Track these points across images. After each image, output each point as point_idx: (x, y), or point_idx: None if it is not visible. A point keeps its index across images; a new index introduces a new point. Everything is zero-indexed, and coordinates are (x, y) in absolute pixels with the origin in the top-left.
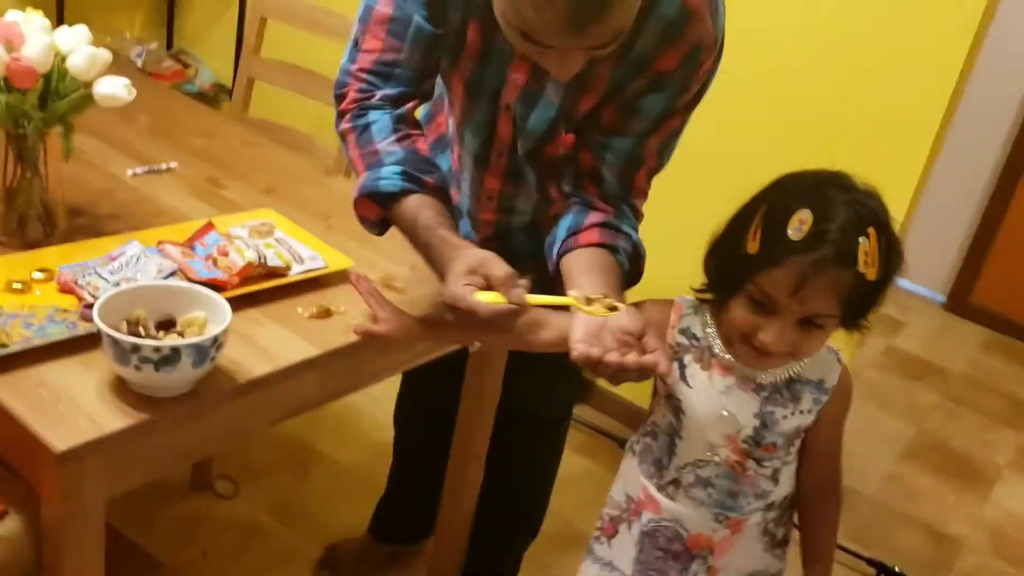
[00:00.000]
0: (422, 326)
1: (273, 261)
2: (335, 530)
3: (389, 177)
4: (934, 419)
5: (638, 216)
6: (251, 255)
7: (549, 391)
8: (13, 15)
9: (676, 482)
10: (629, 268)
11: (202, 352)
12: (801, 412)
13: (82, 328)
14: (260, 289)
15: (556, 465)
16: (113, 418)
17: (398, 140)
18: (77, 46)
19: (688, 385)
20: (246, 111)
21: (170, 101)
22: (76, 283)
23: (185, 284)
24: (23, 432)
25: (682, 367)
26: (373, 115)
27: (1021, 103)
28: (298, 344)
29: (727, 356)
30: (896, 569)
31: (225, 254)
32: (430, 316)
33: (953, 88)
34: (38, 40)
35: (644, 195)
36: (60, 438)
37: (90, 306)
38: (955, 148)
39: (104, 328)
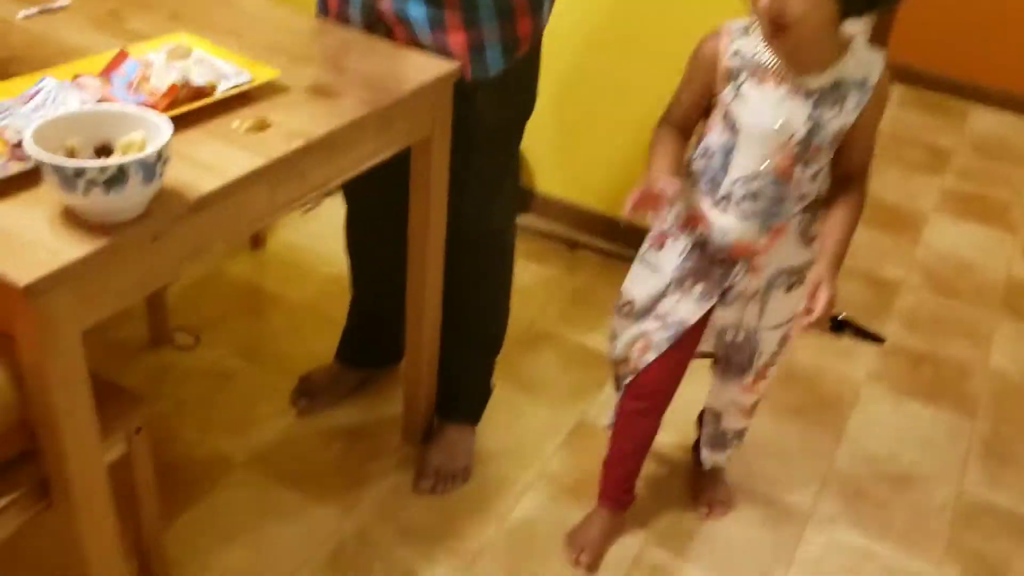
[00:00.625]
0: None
1: (198, 80)
2: (304, 362)
3: None
4: None
5: None
6: (174, 76)
7: (487, 204)
8: None
9: (728, 197)
10: None
11: (149, 168)
12: (846, 111)
13: (14, 168)
14: (190, 110)
15: (508, 275)
16: (72, 247)
17: None
18: None
19: (744, 102)
20: None
21: None
22: None
23: (117, 106)
24: None
25: (738, 87)
26: None
27: None
28: (242, 157)
29: (778, 65)
30: (841, 316)
31: (147, 79)
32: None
33: None
34: None
35: None
36: (23, 272)
37: (19, 144)
38: None
39: (43, 156)
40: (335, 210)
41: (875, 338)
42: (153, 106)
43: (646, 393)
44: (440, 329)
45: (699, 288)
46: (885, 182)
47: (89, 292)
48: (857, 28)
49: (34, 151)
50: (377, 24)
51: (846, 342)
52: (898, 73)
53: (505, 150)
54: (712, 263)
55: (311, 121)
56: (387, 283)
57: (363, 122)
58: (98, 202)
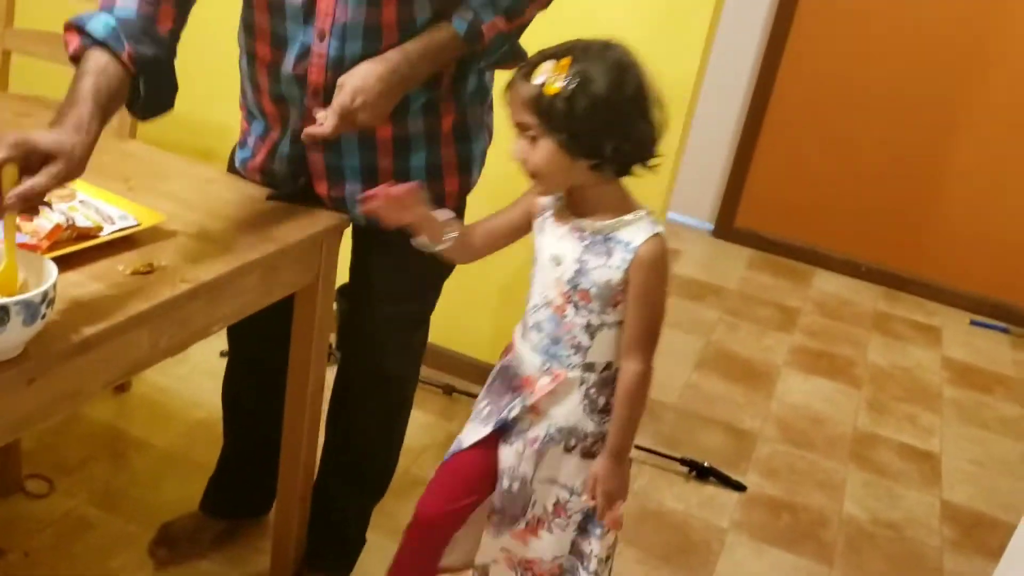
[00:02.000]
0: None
1: (82, 222)
2: (165, 510)
3: (101, 23)
4: (718, 332)
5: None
6: (58, 218)
7: (400, 351)
8: None
9: (528, 325)
10: (466, 32)
11: (32, 309)
12: (611, 267)
13: None
14: (74, 251)
15: (405, 420)
16: None
17: (140, 4)
18: None
19: (541, 233)
20: (4, 88)
21: None
22: None
23: None
24: None
25: (543, 219)
26: None
27: (756, 55)
28: (125, 301)
29: (563, 203)
30: (705, 464)
31: (29, 219)
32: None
33: (705, 55)
34: None
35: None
36: None
37: None
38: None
39: None
40: (204, 352)
41: (737, 486)
42: (36, 246)
43: (419, 523)
44: (315, 476)
45: (486, 411)
46: (740, 338)
47: None
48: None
49: None
50: (299, 174)
51: (710, 489)
52: (748, 238)
53: (423, 300)
54: (506, 390)
55: (196, 267)
56: (263, 429)
57: (248, 268)
58: None
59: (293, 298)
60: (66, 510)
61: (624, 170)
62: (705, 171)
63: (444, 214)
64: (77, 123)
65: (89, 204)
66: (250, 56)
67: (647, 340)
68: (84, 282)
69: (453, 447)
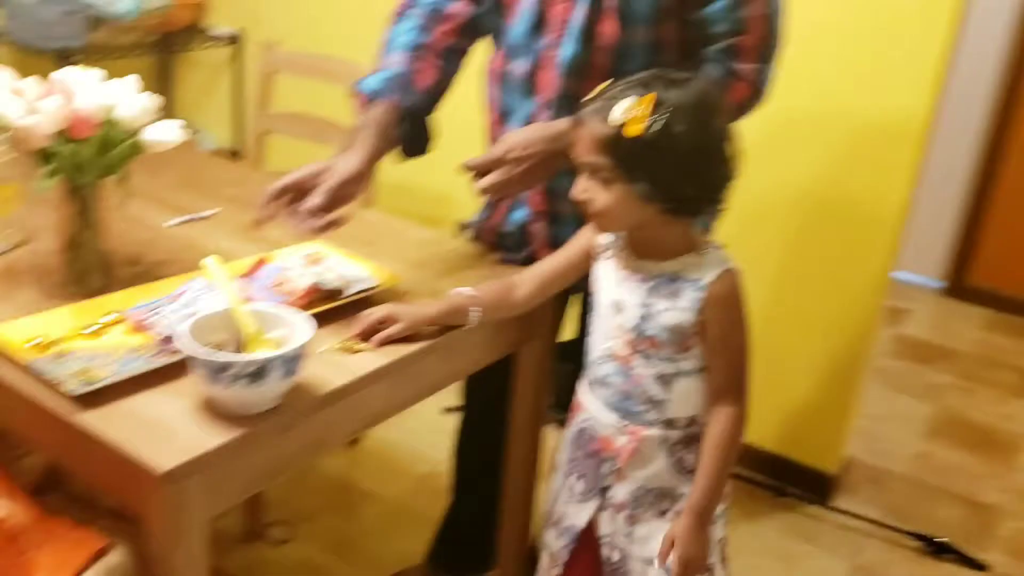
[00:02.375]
0: (431, 314)
1: (330, 284)
2: (394, 562)
3: (374, 79)
4: (951, 397)
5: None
6: (310, 279)
7: None
8: (67, 71)
9: (593, 379)
10: None
11: (290, 363)
12: (681, 309)
13: (161, 360)
14: (322, 310)
15: None
16: (208, 437)
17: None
18: (127, 96)
19: (598, 278)
20: (260, 165)
21: (193, 158)
22: (146, 321)
23: (262, 306)
24: (124, 460)
25: (601, 262)
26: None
27: (991, 89)
28: (366, 356)
29: (623, 245)
30: (941, 540)
31: (285, 282)
32: (430, 307)
33: (937, 89)
34: (92, 91)
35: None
36: (161, 458)
37: (168, 339)
38: (940, 143)
39: (195, 350)
40: (429, 408)
41: (978, 565)
42: (291, 305)
43: None
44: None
45: (580, 486)
46: (976, 404)
47: (220, 481)
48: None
49: (186, 345)
50: (526, 242)
51: (947, 567)
52: (983, 298)
53: None
54: (588, 456)
55: (431, 327)
56: (490, 486)
57: (477, 327)
58: (239, 394)
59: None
60: (302, 558)
61: (696, 213)
62: (934, 223)
63: (461, 292)
64: (361, 145)
65: (335, 267)
66: (490, 125)
67: (735, 384)
68: (328, 339)
69: (565, 534)
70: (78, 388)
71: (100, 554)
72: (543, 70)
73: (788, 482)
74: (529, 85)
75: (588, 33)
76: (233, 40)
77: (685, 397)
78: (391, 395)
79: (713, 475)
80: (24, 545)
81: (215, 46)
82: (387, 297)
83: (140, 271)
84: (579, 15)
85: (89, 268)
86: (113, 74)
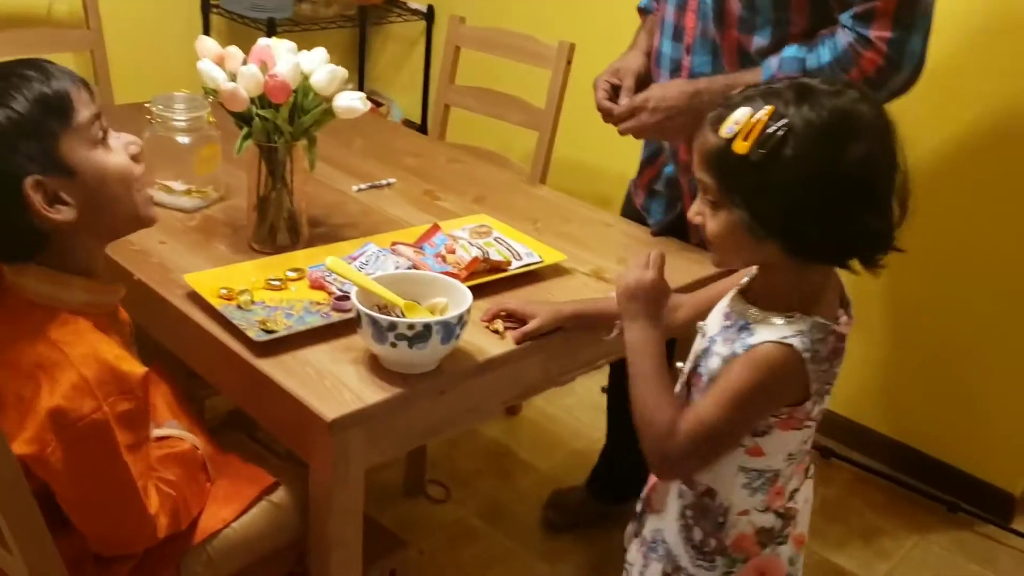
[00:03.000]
0: (566, 313)
1: (495, 257)
2: (542, 530)
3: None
4: None
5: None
6: (475, 251)
7: None
8: (264, 41)
9: None
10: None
11: (449, 329)
12: (724, 358)
13: (335, 317)
14: (485, 281)
15: None
16: (372, 392)
17: None
18: (318, 65)
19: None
20: (443, 137)
21: (380, 127)
22: (325, 279)
23: (428, 273)
24: (297, 406)
25: None
26: None
27: None
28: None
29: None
30: None
31: (452, 251)
32: (571, 304)
33: None
34: (287, 60)
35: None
36: (330, 409)
37: (342, 298)
38: None
39: (364, 310)
40: (588, 386)
41: None
42: (456, 275)
43: None
44: None
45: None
46: None
47: (379, 434)
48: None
49: (358, 304)
50: (676, 197)
51: None
52: None
53: None
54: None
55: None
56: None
57: None
58: (402, 355)
59: None
60: (457, 517)
61: (824, 259)
62: None
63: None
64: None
65: (501, 241)
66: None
67: (697, 430)
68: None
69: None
70: (260, 336)
71: (268, 490)
72: (687, 13)
73: (964, 498)
74: (675, 30)
75: None
76: (427, 14)
77: (712, 471)
78: (546, 368)
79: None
80: (209, 474)
81: (409, 20)
82: (550, 273)
83: (323, 232)
84: None
85: (277, 226)
86: (314, 44)
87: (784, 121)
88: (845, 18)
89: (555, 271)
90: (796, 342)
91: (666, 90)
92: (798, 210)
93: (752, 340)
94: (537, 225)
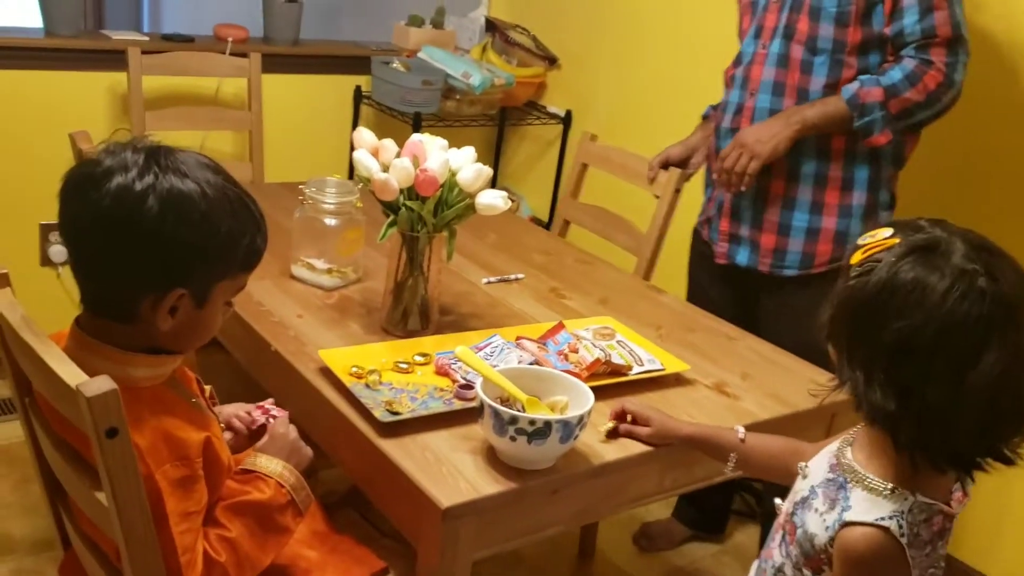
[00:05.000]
0: (680, 435)
1: (617, 360)
2: None
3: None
4: None
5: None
6: (598, 353)
7: None
8: (418, 137)
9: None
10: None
11: (569, 429)
12: (823, 521)
13: (457, 404)
14: (605, 384)
15: None
16: (487, 484)
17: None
18: (465, 163)
19: None
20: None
21: (511, 223)
22: (451, 367)
23: (551, 370)
24: (413, 490)
25: None
26: None
27: None
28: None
29: None
30: None
31: (575, 351)
32: (690, 426)
33: None
34: (439, 156)
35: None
36: (445, 496)
37: (465, 386)
38: None
39: (487, 401)
40: None
41: None
42: (577, 375)
43: None
44: None
45: None
46: None
47: (489, 526)
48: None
49: (482, 395)
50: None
51: None
52: None
53: None
54: None
55: (707, 417)
56: None
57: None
58: (520, 449)
59: None
60: None
61: (913, 445)
62: None
63: (739, 433)
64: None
65: (624, 345)
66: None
67: None
68: (607, 412)
69: None
70: (385, 416)
71: (378, 575)
72: (753, 67)
73: None
74: (743, 80)
75: (788, 30)
76: (564, 119)
77: None
78: (661, 479)
79: None
80: (300, 509)
81: (547, 123)
82: (671, 382)
83: (452, 320)
84: (783, 17)
85: (410, 311)
86: (456, 140)
87: (882, 256)
88: (908, 51)
89: (677, 380)
90: (892, 525)
91: (756, 128)
92: (883, 363)
93: (848, 514)
94: (660, 332)
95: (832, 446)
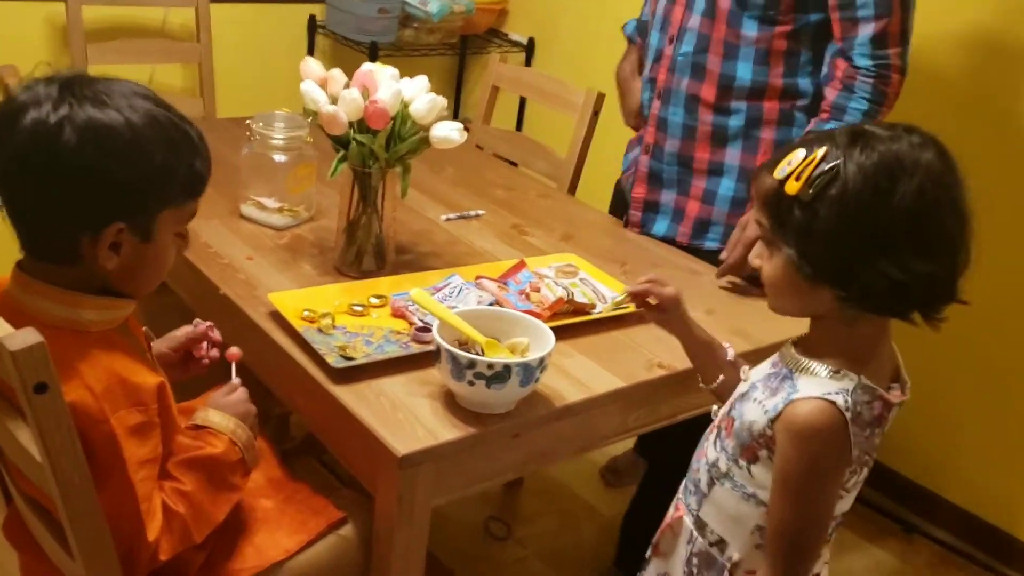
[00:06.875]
0: (689, 336)
1: (580, 299)
2: None
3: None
4: None
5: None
6: (560, 291)
7: None
8: (367, 66)
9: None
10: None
11: (529, 372)
12: (762, 408)
13: (414, 348)
14: (568, 323)
15: None
16: (445, 430)
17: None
18: (418, 94)
19: None
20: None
21: (471, 157)
22: (407, 309)
23: (511, 311)
24: (368, 437)
25: None
26: None
27: None
28: (605, 376)
29: None
30: None
31: (537, 290)
32: (698, 329)
33: None
34: (389, 87)
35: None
36: (401, 443)
37: (423, 329)
38: None
39: (444, 345)
40: None
41: None
42: (538, 315)
43: None
44: None
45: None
46: None
47: (448, 473)
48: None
49: (439, 339)
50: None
51: None
52: None
53: None
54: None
55: (671, 354)
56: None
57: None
58: (478, 394)
59: None
60: (518, 557)
61: (888, 310)
62: None
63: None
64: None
65: (587, 282)
66: None
67: (780, 544)
68: (571, 352)
69: None
70: (338, 362)
71: (335, 525)
72: (675, 7)
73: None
74: (663, 21)
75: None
76: (527, 46)
77: (718, 508)
78: (624, 419)
79: None
80: (248, 468)
81: (509, 51)
82: (635, 320)
83: (409, 259)
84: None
85: (364, 251)
86: (412, 70)
87: (836, 162)
88: (859, 44)
89: (640, 317)
90: (839, 400)
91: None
92: (846, 252)
93: (796, 394)
94: (625, 268)
95: (772, 357)
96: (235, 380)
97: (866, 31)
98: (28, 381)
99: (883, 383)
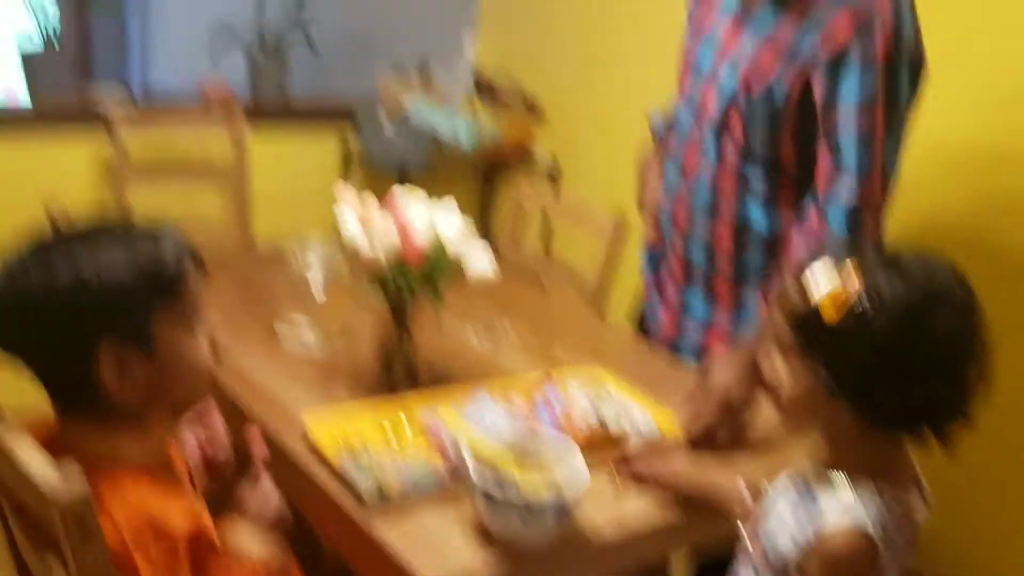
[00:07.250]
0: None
1: (613, 428)
2: None
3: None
4: None
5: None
6: (592, 419)
7: None
8: (398, 191)
9: None
10: None
11: (564, 511)
12: (791, 533)
13: (449, 483)
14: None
15: None
16: (476, 561)
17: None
18: (451, 228)
19: None
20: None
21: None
22: (442, 436)
23: (544, 434)
24: (399, 571)
25: None
26: None
27: None
28: (639, 508)
29: None
30: None
31: (568, 416)
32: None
33: None
34: (422, 222)
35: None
36: (430, 571)
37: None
38: None
39: (481, 487)
40: None
41: None
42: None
43: None
44: None
45: None
46: None
47: None
48: None
49: (473, 479)
50: None
51: None
52: None
53: None
54: None
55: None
56: None
57: None
58: (512, 529)
59: None
60: None
61: (903, 427)
62: None
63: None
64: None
65: (617, 401)
66: None
67: None
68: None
69: None
70: (373, 499)
71: None
72: (690, 153)
73: None
74: (679, 160)
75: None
76: (552, 171)
77: None
78: (661, 551)
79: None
80: None
81: (534, 171)
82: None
83: (440, 379)
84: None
85: (397, 373)
86: (440, 192)
87: (876, 298)
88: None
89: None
90: (869, 527)
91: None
92: (877, 374)
93: (820, 518)
94: (654, 385)
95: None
96: (259, 464)
97: (843, 186)
98: (74, 534)
99: (904, 492)
